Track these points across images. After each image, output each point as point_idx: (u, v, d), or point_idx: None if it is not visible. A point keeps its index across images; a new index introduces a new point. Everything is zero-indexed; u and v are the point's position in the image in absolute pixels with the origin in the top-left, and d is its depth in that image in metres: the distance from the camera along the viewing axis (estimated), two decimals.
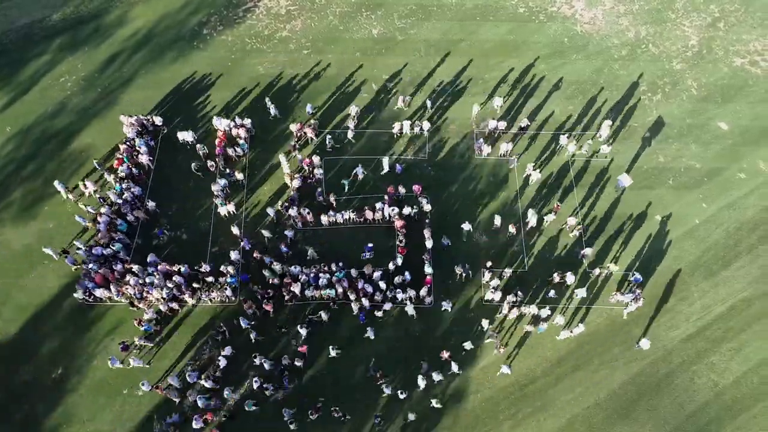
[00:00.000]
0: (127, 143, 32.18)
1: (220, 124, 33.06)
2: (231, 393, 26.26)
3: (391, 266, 28.63)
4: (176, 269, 28.41)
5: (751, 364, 27.42)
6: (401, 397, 26.28)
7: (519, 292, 28.45)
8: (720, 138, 34.11)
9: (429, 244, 29.27)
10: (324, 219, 30.14)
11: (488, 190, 32.12)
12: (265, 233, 29.86)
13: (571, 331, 27.30)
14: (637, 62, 37.22)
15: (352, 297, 27.87)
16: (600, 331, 28.24)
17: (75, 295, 28.15)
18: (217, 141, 32.58)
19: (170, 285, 27.91)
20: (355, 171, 31.87)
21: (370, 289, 28.03)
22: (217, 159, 32.06)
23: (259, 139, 33.72)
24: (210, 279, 28.46)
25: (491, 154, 32.99)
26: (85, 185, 30.89)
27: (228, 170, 32.02)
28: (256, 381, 26.13)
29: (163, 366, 27.34)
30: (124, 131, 32.74)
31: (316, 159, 31.84)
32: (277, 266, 28.76)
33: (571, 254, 30.14)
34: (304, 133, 33.10)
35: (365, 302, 27.75)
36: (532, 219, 30.16)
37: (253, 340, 27.50)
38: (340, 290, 27.94)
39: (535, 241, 30.59)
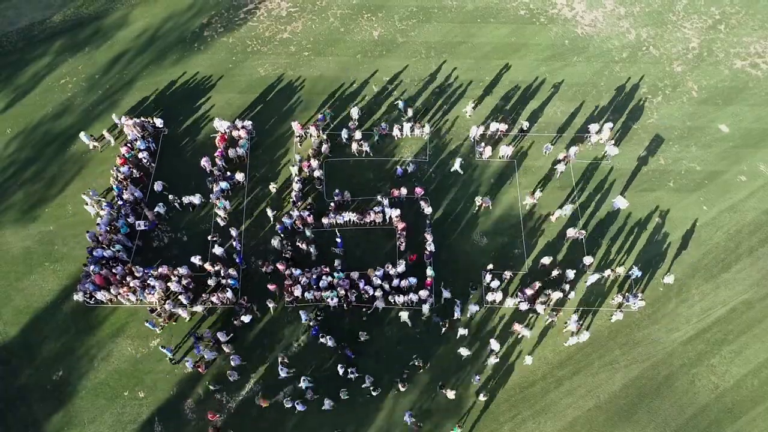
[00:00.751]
0: (128, 145, 32.15)
1: (221, 125, 33.06)
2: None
3: (392, 271, 28.65)
4: (175, 273, 28.43)
5: (751, 367, 27.46)
6: (402, 389, 26.49)
7: (519, 293, 28.49)
8: (720, 140, 34.14)
9: (431, 247, 29.25)
10: (325, 221, 30.17)
11: (489, 191, 32.13)
12: (274, 242, 29.88)
13: (578, 338, 27.37)
14: (638, 64, 37.24)
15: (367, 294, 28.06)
16: (600, 334, 28.27)
17: (75, 297, 28.15)
18: (217, 142, 32.57)
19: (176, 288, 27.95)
20: (380, 126, 33.08)
21: (370, 290, 28.04)
22: (217, 160, 32.05)
23: (259, 140, 33.73)
24: (211, 282, 28.51)
25: (492, 156, 33.01)
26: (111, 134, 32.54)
27: (228, 173, 32.01)
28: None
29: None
30: (125, 132, 32.73)
31: (314, 162, 31.85)
32: (308, 232, 29.73)
33: (572, 254, 30.14)
34: (309, 133, 33.12)
35: (380, 304, 27.86)
36: (532, 220, 30.11)
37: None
38: (341, 293, 27.93)
39: (535, 241, 30.64)
